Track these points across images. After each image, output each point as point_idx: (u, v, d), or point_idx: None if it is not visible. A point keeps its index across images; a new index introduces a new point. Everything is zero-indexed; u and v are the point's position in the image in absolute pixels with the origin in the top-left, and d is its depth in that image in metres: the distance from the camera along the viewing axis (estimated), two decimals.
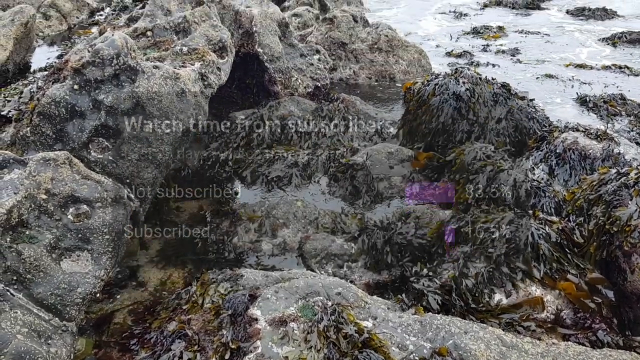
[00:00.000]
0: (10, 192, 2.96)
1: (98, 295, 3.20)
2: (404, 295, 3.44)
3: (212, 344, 2.99)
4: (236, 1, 6.44)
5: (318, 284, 3.23)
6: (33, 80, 6.03)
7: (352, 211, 4.70)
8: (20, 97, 4.80)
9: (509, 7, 14.23)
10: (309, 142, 5.80)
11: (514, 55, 9.81)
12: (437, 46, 10.43)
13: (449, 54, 9.83)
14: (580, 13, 13.24)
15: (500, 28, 11.76)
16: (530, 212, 3.97)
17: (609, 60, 9.59)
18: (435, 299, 3.47)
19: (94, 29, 10.08)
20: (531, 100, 6.25)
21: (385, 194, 4.99)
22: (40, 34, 10.01)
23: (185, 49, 4.55)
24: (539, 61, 9.51)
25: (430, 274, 3.69)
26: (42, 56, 8.60)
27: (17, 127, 3.87)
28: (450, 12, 13.59)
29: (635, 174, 3.86)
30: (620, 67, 9.03)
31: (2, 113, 4.54)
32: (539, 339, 3.18)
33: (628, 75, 8.75)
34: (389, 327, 3.01)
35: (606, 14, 13.05)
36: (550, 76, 8.60)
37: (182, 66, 4.28)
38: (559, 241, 3.70)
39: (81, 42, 5.94)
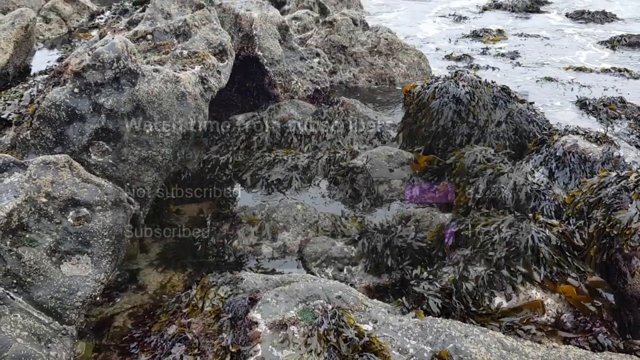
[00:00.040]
0: (10, 196, 2.96)
1: (98, 298, 3.20)
2: (404, 298, 3.43)
3: (213, 348, 2.99)
4: (236, 4, 6.45)
5: (318, 288, 3.23)
6: (33, 83, 6.04)
7: (352, 214, 4.70)
8: (20, 101, 4.81)
9: (509, 10, 14.25)
10: (309, 145, 5.81)
11: (513, 59, 9.83)
12: (436, 49, 10.45)
13: (448, 57, 9.84)
14: (579, 16, 13.27)
15: (500, 31, 11.78)
16: (531, 215, 3.97)
17: (608, 63, 9.60)
18: (435, 303, 3.46)
19: (94, 32, 10.09)
20: (531, 103, 6.26)
21: (386, 197, 5.00)
22: (41, 37, 10.01)
23: (185, 52, 4.55)
24: (539, 64, 9.52)
25: (431, 277, 3.69)
26: (42, 59, 8.61)
27: (17, 130, 3.87)
28: (449, 15, 13.62)
29: (635, 177, 3.85)
30: (619, 70, 9.04)
31: (2, 116, 4.55)
32: (540, 342, 3.17)
33: (628, 78, 8.76)
34: (389, 331, 3.01)
35: (605, 17, 13.08)
36: (550, 79, 8.61)
37: (183, 69, 4.28)
38: (559, 244, 3.69)
39: (81, 45, 5.94)
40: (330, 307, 3.06)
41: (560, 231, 3.78)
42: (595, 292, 3.50)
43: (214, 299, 3.36)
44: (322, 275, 3.96)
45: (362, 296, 3.31)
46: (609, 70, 9.11)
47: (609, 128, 6.57)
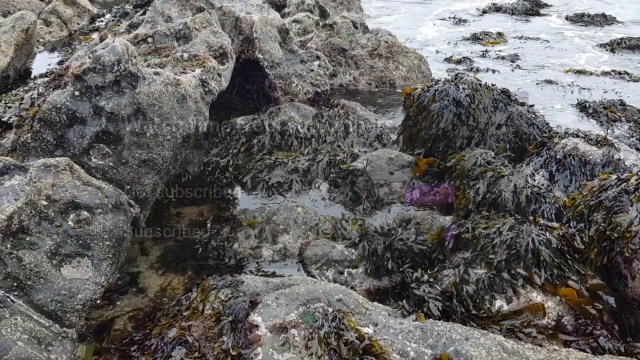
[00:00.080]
0: (10, 199, 2.96)
1: (98, 301, 3.19)
2: (404, 301, 3.43)
3: (213, 351, 2.99)
4: (236, 7, 6.46)
5: (319, 291, 3.23)
6: (34, 86, 6.05)
7: (352, 217, 4.70)
8: (21, 103, 4.81)
9: (508, 13, 14.27)
10: (309, 148, 5.81)
11: (513, 61, 9.83)
12: (437, 52, 10.46)
13: (448, 60, 9.85)
14: (579, 19, 13.28)
15: (500, 34, 11.79)
16: (531, 218, 3.97)
17: (608, 66, 9.61)
18: (436, 305, 3.46)
19: (95, 35, 10.10)
20: (531, 106, 6.26)
21: (386, 200, 5.00)
22: (41, 40, 10.03)
23: (186, 55, 4.56)
24: (539, 67, 9.53)
25: (431, 280, 3.69)
26: (42, 62, 8.62)
27: (17, 133, 3.87)
28: (449, 18, 13.63)
29: (636, 180, 3.86)
30: (619, 73, 9.05)
31: (2, 119, 4.55)
32: (540, 345, 3.17)
33: (628, 81, 8.76)
34: (390, 334, 3.01)
35: (605, 20, 13.09)
36: (550, 82, 8.61)
37: (183, 72, 4.29)
38: (559, 247, 3.69)
39: (82, 48, 5.95)
40: (330, 310, 3.06)
41: (561, 234, 3.79)
42: (595, 295, 3.50)
43: (214, 302, 3.36)
44: (323, 278, 3.96)
45: (362, 299, 3.31)
46: (609, 72, 9.11)
47: (609, 131, 6.57)
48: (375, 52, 8.38)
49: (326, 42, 8.31)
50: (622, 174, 4.12)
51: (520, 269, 3.58)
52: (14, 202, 2.94)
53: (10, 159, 3.22)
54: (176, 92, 3.87)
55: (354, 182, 5.09)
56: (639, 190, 3.73)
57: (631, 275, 3.45)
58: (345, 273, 4.03)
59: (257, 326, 2.97)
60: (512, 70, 9.31)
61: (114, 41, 3.75)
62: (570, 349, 3.14)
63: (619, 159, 4.79)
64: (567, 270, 3.59)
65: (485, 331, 3.12)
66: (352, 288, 3.76)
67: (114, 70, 3.59)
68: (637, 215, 3.53)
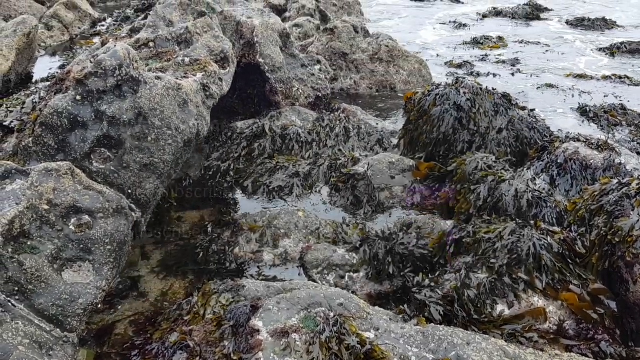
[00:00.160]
0: (12, 203, 2.96)
1: (99, 305, 3.19)
2: (406, 306, 3.42)
3: (214, 356, 2.98)
4: (237, 12, 6.48)
5: (320, 295, 3.23)
6: (35, 90, 6.05)
7: (353, 221, 4.70)
8: (22, 108, 4.82)
9: (509, 17, 14.30)
10: (310, 152, 5.81)
11: (514, 65, 9.85)
12: (437, 56, 10.48)
13: (449, 64, 9.87)
14: (579, 23, 13.31)
15: (500, 38, 11.81)
16: (532, 222, 3.96)
17: (608, 70, 9.62)
18: (437, 310, 3.46)
19: (96, 40, 10.13)
20: (532, 110, 6.27)
21: (387, 204, 5.00)
22: (43, 44, 10.05)
23: (187, 59, 4.57)
24: (539, 71, 9.54)
25: (432, 284, 3.69)
26: (44, 66, 8.64)
27: (19, 137, 3.88)
28: (450, 22, 13.65)
29: (637, 184, 3.86)
30: (620, 77, 9.05)
31: (4, 123, 4.55)
32: (542, 350, 3.16)
33: (628, 85, 8.77)
34: (392, 339, 3.00)
35: (606, 24, 13.11)
36: (550, 86, 8.62)
37: (184, 77, 4.30)
38: (561, 252, 3.69)
39: (83, 52, 5.96)
40: (332, 314, 3.06)
41: (562, 238, 3.78)
42: (597, 300, 3.50)
43: (215, 306, 3.35)
44: (324, 283, 3.95)
45: (364, 304, 3.31)
46: (610, 77, 9.12)
47: (610, 135, 6.57)
48: (376, 57, 8.39)
49: (327, 46, 8.32)
50: (623, 179, 4.12)
51: (521, 274, 3.57)
52: (15, 207, 2.94)
53: (11, 164, 3.22)
54: (177, 97, 3.88)
55: (355, 186, 5.10)
56: None
57: (633, 279, 3.44)
58: (347, 277, 4.03)
59: (258, 331, 2.97)
60: (513, 75, 9.33)
61: (115, 46, 3.76)
62: (572, 353, 3.14)
63: (620, 163, 4.79)
64: (568, 274, 3.59)
65: (487, 336, 3.11)
66: (353, 292, 3.75)
67: (115, 75, 3.59)
68: (638, 220, 3.53)
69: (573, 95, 8.22)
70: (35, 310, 2.86)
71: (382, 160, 5.32)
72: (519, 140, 5.53)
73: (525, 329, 3.36)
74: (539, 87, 8.61)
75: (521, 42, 11.63)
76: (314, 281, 3.95)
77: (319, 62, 7.41)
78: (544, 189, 4.81)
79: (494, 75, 9.23)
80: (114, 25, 11.47)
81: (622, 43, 10.98)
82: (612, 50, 10.74)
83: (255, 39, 6.34)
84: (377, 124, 6.51)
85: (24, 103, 5.04)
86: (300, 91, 6.80)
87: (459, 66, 9.72)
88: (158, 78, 3.84)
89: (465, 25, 13.32)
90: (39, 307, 2.87)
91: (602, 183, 4.17)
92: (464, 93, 5.55)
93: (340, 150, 5.88)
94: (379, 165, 5.24)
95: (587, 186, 4.46)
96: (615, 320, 3.45)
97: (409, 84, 8.35)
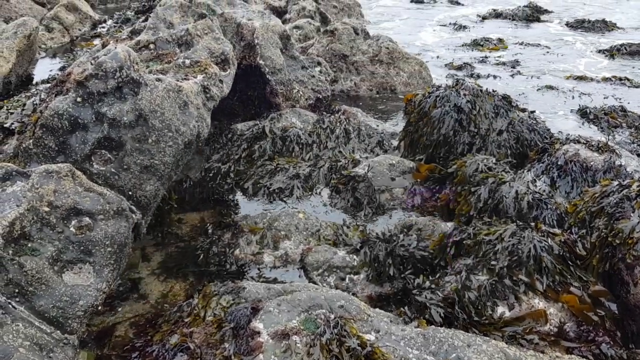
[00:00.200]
0: (12, 205, 2.96)
1: (99, 307, 3.19)
2: (406, 308, 3.42)
3: (215, 358, 2.98)
4: (238, 14, 6.48)
5: (320, 297, 3.23)
6: (36, 92, 6.06)
7: (353, 223, 4.70)
8: (23, 110, 4.81)
9: (509, 19, 14.31)
10: (310, 153, 5.81)
11: (514, 67, 9.85)
12: (437, 58, 10.49)
13: (449, 66, 9.87)
14: (579, 25, 13.32)
15: (500, 40, 11.83)
16: (533, 224, 3.96)
17: (608, 71, 9.63)
18: (438, 312, 3.46)
19: (97, 42, 10.14)
20: (532, 112, 6.27)
21: (387, 206, 5.00)
22: (43, 46, 10.06)
23: (187, 61, 4.57)
24: (539, 73, 9.55)
25: (433, 286, 3.68)
26: (44, 68, 8.64)
27: (19, 139, 3.88)
28: (450, 24, 13.67)
29: (637, 186, 3.85)
30: (620, 79, 9.06)
31: (4, 125, 4.55)
32: (543, 352, 3.16)
33: (628, 87, 8.78)
34: (392, 341, 3.00)
35: (606, 26, 13.13)
36: (550, 88, 8.63)
37: (185, 79, 4.30)
38: (561, 253, 3.69)
39: (84, 54, 5.97)
40: (332, 316, 3.06)
41: (563, 240, 3.78)
42: (598, 302, 3.49)
43: (215, 308, 3.35)
44: (324, 285, 3.95)
45: (364, 305, 3.31)
46: (610, 78, 9.13)
47: (610, 137, 6.58)
48: (376, 58, 8.40)
49: (327, 48, 8.33)
50: (623, 180, 4.12)
51: (522, 276, 3.57)
52: (15, 208, 2.94)
53: (12, 165, 3.22)
54: (178, 99, 3.88)
55: (355, 188, 5.10)
56: None
57: (633, 281, 3.44)
58: (347, 279, 4.02)
59: (258, 333, 2.97)
60: (513, 76, 9.33)
61: (116, 47, 3.76)
62: (573, 355, 3.14)
63: (621, 165, 4.79)
64: (569, 276, 3.59)
65: (488, 338, 3.11)
66: (353, 294, 3.75)
67: (116, 77, 3.60)
68: (639, 222, 3.53)
69: (573, 97, 8.23)
70: (36, 312, 2.86)
71: (383, 162, 5.32)
72: (519, 142, 5.53)
73: (526, 331, 3.36)
74: (539, 89, 8.62)
75: (521, 43, 11.64)
76: (315, 283, 3.95)
77: (319, 63, 7.41)
78: (544, 190, 4.81)
79: (494, 77, 9.24)
80: (115, 27, 11.49)
81: (622, 45, 10.99)
82: (612, 52, 10.76)
83: (256, 41, 6.35)
84: (378, 125, 6.51)
85: (24, 105, 5.03)
86: (301, 93, 6.81)
87: (459, 68, 9.73)
88: (158, 80, 3.84)
89: (465, 27, 13.34)
90: (40, 309, 2.87)
91: (603, 185, 4.17)
92: (464, 95, 5.55)
93: (340, 152, 5.89)
94: (379, 167, 5.24)
95: (587, 188, 4.46)
96: (615, 322, 3.45)
97: (409, 86, 8.36)
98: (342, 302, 3.23)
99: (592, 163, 4.87)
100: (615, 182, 4.07)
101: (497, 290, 3.53)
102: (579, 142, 5.20)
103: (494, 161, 4.91)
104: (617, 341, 3.35)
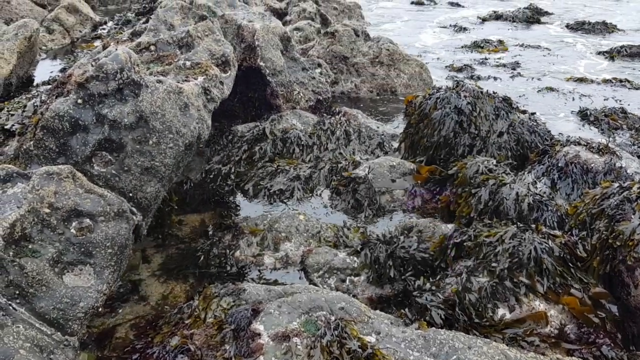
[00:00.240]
0: (13, 206, 2.96)
1: (100, 309, 3.19)
2: (407, 309, 3.42)
3: (215, 359, 2.98)
4: (238, 16, 6.49)
5: (321, 299, 3.22)
6: (36, 94, 6.06)
7: (354, 224, 4.70)
8: (23, 111, 4.82)
9: (509, 21, 14.33)
10: (311, 155, 5.82)
11: (514, 69, 9.86)
12: (437, 59, 10.49)
13: (449, 68, 9.88)
14: (580, 27, 13.33)
15: (501, 42, 11.83)
16: (533, 226, 3.96)
17: (609, 73, 9.63)
18: (438, 314, 3.45)
19: (97, 43, 10.14)
20: (532, 113, 6.27)
21: (388, 208, 5.00)
22: (44, 47, 10.07)
23: (188, 63, 4.58)
24: (540, 74, 9.55)
25: (433, 288, 3.68)
26: (45, 70, 8.65)
27: (20, 141, 3.88)
28: (450, 26, 13.68)
29: (638, 188, 3.85)
30: (620, 81, 9.07)
31: (5, 127, 4.55)
32: (543, 354, 3.16)
33: (629, 89, 8.78)
34: (393, 342, 3.00)
35: (606, 27, 13.14)
36: (551, 89, 8.63)
37: (186, 80, 4.30)
38: (562, 255, 3.69)
39: (84, 56, 5.97)
40: (333, 318, 3.06)
41: (563, 242, 3.78)
42: (598, 304, 3.49)
43: (216, 310, 3.35)
44: (325, 286, 3.95)
45: (365, 307, 3.30)
46: (610, 80, 9.13)
47: (611, 139, 6.58)
48: (377, 60, 8.41)
49: (328, 49, 8.34)
50: (624, 182, 4.12)
51: (522, 277, 3.57)
52: (16, 210, 2.94)
53: (12, 167, 3.22)
54: (179, 100, 3.88)
55: (355, 190, 5.10)
56: None
57: (634, 283, 3.44)
58: (347, 281, 4.02)
59: (259, 335, 2.97)
60: (513, 78, 9.34)
61: (116, 49, 3.77)
62: (573, 357, 3.13)
63: (621, 167, 4.79)
64: (569, 278, 3.59)
65: (488, 340, 3.11)
66: (354, 296, 3.75)
67: (116, 78, 3.60)
68: (639, 224, 3.53)
69: (573, 99, 8.23)
70: (36, 313, 2.86)
71: (383, 163, 5.32)
72: (519, 144, 5.53)
73: (527, 333, 3.36)
74: (540, 91, 8.62)
75: (521, 45, 11.65)
76: (315, 285, 3.95)
77: (319, 65, 7.42)
78: (544, 192, 4.80)
79: (495, 78, 9.24)
80: (115, 28, 11.49)
81: (622, 47, 11.00)
82: (612, 54, 10.76)
83: (256, 43, 6.35)
84: (378, 127, 6.52)
85: (25, 106, 5.04)
86: (301, 94, 6.81)
87: (460, 70, 9.74)
88: (159, 81, 3.85)
89: (465, 29, 13.35)
90: (40, 310, 2.87)
91: (603, 187, 4.16)
92: (465, 97, 5.55)
93: (341, 153, 5.89)
94: (379, 168, 5.24)
95: (588, 190, 4.46)
96: (616, 324, 3.44)
97: (410, 88, 8.37)
98: (342, 304, 3.23)
99: (592, 165, 4.87)
100: (616, 184, 4.07)
101: (497, 292, 3.53)
102: (579, 144, 5.19)
103: (494, 163, 4.90)
104: (617, 343, 3.35)
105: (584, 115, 7.43)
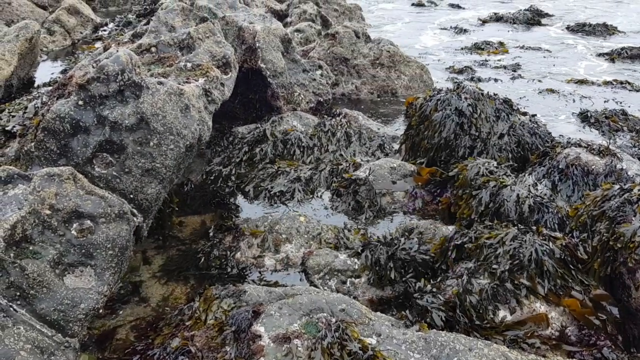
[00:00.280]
0: (14, 208, 2.96)
1: (101, 310, 3.19)
2: (407, 311, 3.42)
3: None
4: (239, 17, 6.50)
5: (322, 301, 3.22)
6: (37, 95, 6.06)
7: (355, 226, 4.70)
8: (24, 113, 4.81)
9: (509, 22, 14.32)
10: (311, 157, 5.82)
11: (515, 71, 9.86)
12: (438, 61, 10.49)
13: (450, 70, 9.88)
14: (580, 29, 13.33)
15: (501, 44, 11.83)
16: (534, 228, 3.96)
17: (609, 75, 9.63)
18: (439, 316, 3.45)
19: (98, 45, 10.16)
20: (533, 115, 6.27)
21: (388, 209, 5.00)
22: (45, 49, 10.08)
23: (189, 64, 4.58)
24: (540, 76, 9.55)
25: (434, 290, 3.68)
26: (46, 71, 8.65)
27: (21, 142, 3.88)
28: (451, 27, 13.68)
29: (639, 190, 3.85)
30: (621, 83, 9.06)
31: (6, 128, 4.55)
32: (544, 356, 3.16)
33: (629, 90, 8.78)
34: (393, 344, 3.00)
35: (607, 29, 13.13)
36: (551, 91, 8.63)
37: (186, 82, 4.31)
38: (562, 257, 3.68)
39: (85, 57, 5.98)
40: (333, 320, 3.05)
41: (564, 244, 3.78)
42: (599, 306, 3.49)
43: (217, 311, 3.35)
44: (325, 288, 3.95)
45: (365, 309, 3.30)
46: (611, 82, 9.13)
47: (612, 140, 6.57)
48: (377, 62, 8.41)
49: (328, 51, 8.34)
50: (624, 184, 4.12)
51: (523, 279, 3.57)
52: (17, 211, 2.94)
53: (13, 168, 3.22)
54: (180, 102, 3.88)
55: (356, 191, 5.10)
56: None
57: (635, 285, 3.44)
58: (348, 283, 4.02)
59: (260, 336, 2.96)
60: (514, 80, 9.34)
61: (117, 51, 3.77)
62: (574, 359, 3.13)
63: (622, 169, 4.79)
64: (570, 280, 3.58)
65: (489, 342, 3.11)
66: (354, 298, 3.75)
67: (117, 80, 3.60)
68: None
69: (574, 101, 8.23)
70: (37, 315, 2.86)
71: (384, 165, 5.32)
72: (520, 146, 5.53)
73: (527, 335, 3.36)
74: (540, 92, 8.62)
75: (522, 47, 11.65)
76: (316, 286, 3.94)
77: (320, 67, 7.43)
78: (545, 194, 4.80)
79: (495, 80, 9.24)
80: (116, 30, 11.49)
81: (622, 48, 10.99)
82: (613, 56, 10.76)
83: (257, 44, 6.36)
84: (379, 129, 6.52)
85: (26, 108, 5.03)
86: (302, 96, 6.82)
87: (460, 71, 9.74)
88: (160, 83, 3.85)
89: (466, 31, 13.35)
90: (41, 312, 2.87)
91: (604, 189, 4.16)
92: (465, 98, 5.56)
93: (341, 155, 5.89)
94: (380, 170, 5.24)
95: (588, 192, 4.46)
96: (617, 326, 3.44)
97: (410, 89, 8.37)
98: (343, 305, 3.23)
99: (593, 167, 4.87)
100: (617, 186, 4.07)
101: (498, 294, 3.53)
102: (580, 145, 5.19)
103: (495, 165, 4.91)
104: (618, 345, 3.35)
105: (584, 117, 7.42)
